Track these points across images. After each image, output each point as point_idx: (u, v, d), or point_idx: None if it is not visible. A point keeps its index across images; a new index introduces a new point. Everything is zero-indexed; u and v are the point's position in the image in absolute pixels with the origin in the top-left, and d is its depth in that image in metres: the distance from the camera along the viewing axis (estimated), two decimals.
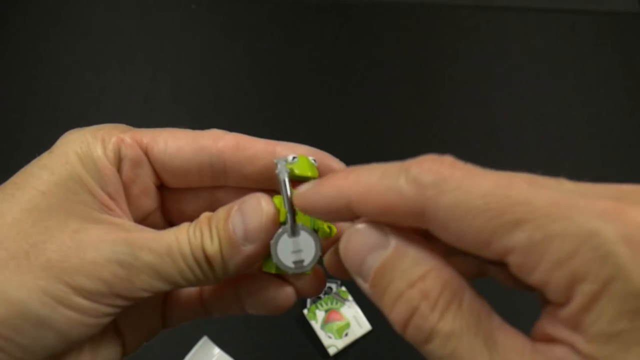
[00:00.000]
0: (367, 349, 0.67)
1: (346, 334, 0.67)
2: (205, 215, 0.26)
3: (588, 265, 0.17)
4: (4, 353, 0.23)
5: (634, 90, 0.89)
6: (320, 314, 0.68)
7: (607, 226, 0.17)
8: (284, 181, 0.26)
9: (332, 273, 0.26)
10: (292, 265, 0.26)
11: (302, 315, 0.68)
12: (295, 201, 0.24)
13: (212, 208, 0.27)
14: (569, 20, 0.96)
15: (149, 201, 0.29)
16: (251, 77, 0.91)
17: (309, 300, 0.70)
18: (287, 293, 0.28)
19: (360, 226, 0.22)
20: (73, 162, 0.26)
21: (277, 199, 0.26)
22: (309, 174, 0.26)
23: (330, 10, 0.97)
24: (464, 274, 0.21)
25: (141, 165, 0.27)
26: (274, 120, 0.85)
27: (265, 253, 0.26)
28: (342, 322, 0.68)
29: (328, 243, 0.27)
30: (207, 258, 0.25)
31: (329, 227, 0.27)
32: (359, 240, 0.22)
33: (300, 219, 0.26)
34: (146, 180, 0.28)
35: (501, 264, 0.19)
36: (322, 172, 0.27)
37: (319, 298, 0.69)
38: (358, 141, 0.82)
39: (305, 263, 0.26)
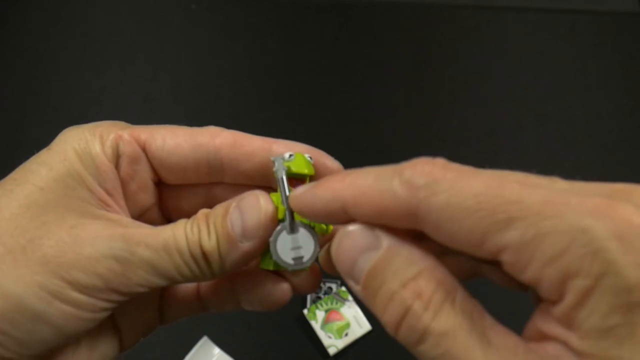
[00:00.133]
0: (367, 349, 0.67)
1: (346, 334, 0.67)
2: (202, 211, 0.26)
3: (580, 262, 0.17)
4: (0, 346, 0.23)
5: (634, 90, 0.89)
6: (320, 314, 0.68)
7: (598, 223, 0.17)
8: (282, 179, 0.26)
9: (327, 270, 0.27)
10: (292, 262, 0.26)
11: (302, 315, 0.68)
12: (292, 204, 0.24)
13: (210, 204, 0.27)
14: (569, 20, 0.96)
15: (147, 197, 0.29)
16: (251, 77, 0.91)
17: (309, 300, 0.70)
18: (283, 289, 0.28)
19: (351, 228, 0.22)
20: (71, 158, 0.26)
21: (274, 196, 0.26)
22: (306, 171, 0.27)
23: (330, 10, 0.97)
24: (457, 274, 0.21)
25: (139, 161, 0.28)
26: (274, 120, 0.85)
27: (263, 250, 0.26)
28: (342, 322, 0.68)
29: (323, 240, 0.27)
30: (204, 254, 0.25)
31: (326, 224, 0.27)
32: (350, 242, 0.22)
33: (298, 216, 0.26)
34: (144, 176, 0.28)
35: (495, 263, 0.20)
36: (317, 170, 0.27)
37: (319, 298, 0.70)
38: (358, 141, 0.82)
39: (305, 259, 0.26)
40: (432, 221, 0.20)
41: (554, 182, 0.20)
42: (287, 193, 0.26)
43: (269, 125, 0.83)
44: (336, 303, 0.69)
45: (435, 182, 0.19)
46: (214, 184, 0.29)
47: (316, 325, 0.67)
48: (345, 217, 0.22)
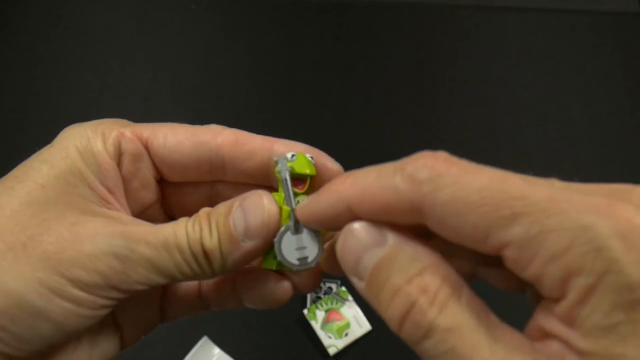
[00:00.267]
0: (367, 349, 0.67)
1: (346, 334, 0.67)
2: (204, 210, 0.26)
3: (583, 259, 0.17)
4: (1, 342, 0.23)
5: (634, 90, 0.89)
6: (320, 314, 0.68)
7: (601, 221, 0.17)
8: (286, 180, 0.26)
9: (327, 270, 0.27)
10: (297, 263, 0.26)
11: (302, 315, 0.68)
12: (298, 215, 0.24)
13: (212, 202, 0.27)
14: (569, 20, 0.96)
15: (149, 195, 0.29)
16: (251, 77, 0.91)
17: (309, 300, 0.70)
18: (284, 287, 0.28)
19: (356, 225, 0.22)
20: (73, 156, 0.26)
21: (276, 196, 0.26)
22: (307, 171, 0.27)
23: (330, 10, 0.97)
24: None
25: (141, 159, 0.28)
26: (274, 121, 0.85)
27: (265, 250, 0.26)
28: (342, 322, 0.68)
29: (323, 240, 0.27)
30: (205, 253, 0.25)
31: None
32: (355, 240, 0.22)
33: None
34: (146, 174, 0.28)
35: (496, 262, 0.20)
36: (318, 171, 0.28)
37: (319, 298, 0.70)
38: (358, 141, 0.82)
39: (310, 260, 0.26)
40: (436, 215, 0.20)
41: (552, 182, 0.20)
42: (292, 194, 0.26)
43: (269, 125, 0.83)
44: (336, 303, 0.69)
45: (439, 176, 0.19)
46: (216, 181, 0.29)
47: (316, 325, 0.67)
48: (351, 218, 0.22)
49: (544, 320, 0.19)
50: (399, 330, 0.20)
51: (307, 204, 0.24)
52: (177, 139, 0.28)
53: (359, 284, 0.22)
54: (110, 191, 0.27)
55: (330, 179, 0.27)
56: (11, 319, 0.23)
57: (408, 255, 0.21)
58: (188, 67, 0.91)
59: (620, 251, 0.17)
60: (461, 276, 0.21)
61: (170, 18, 0.96)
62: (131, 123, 0.29)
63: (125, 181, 0.28)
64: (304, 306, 0.69)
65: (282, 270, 0.28)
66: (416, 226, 0.21)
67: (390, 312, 0.20)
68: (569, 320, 0.18)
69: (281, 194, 0.26)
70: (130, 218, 0.27)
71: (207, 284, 0.30)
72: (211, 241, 0.25)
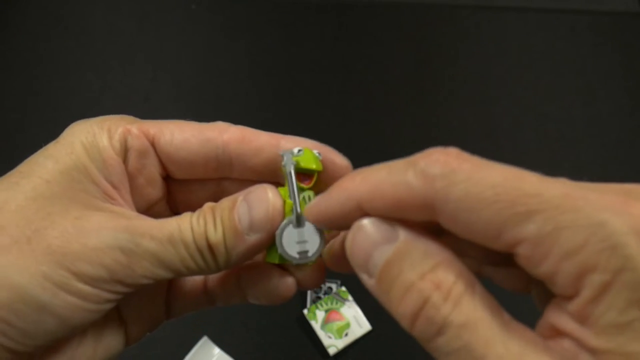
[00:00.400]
0: (367, 349, 0.67)
1: (346, 334, 0.67)
2: (208, 204, 0.27)
3: (597, 256, 0.17)
4: (5, 337, 0.23)
5: (634, 90, 0.89)
6: (320, 314, 0.68)
7: (617, 218, 0.17)
8: (290, 173, 0.26)
9: (331, 267, 0.27)
10: (297, 256, 0.26)
11: (302, 315, 0.68)
12: (308, 214, 0.24)
13: (218, 199, 0.27)
14: (569, 20, 0.96)
15: (155, 191, 0.29)
16: (251, 77, 0.91)
17: (309, 300, 0.70)
18: (288, 283, 0.28)
19: (365, 221, 0.22)
20: (78, 151, 0.26)
21: (282, 191, 0.27)
22: (314, 166, 0.27)
23: (330, 10, 0.97)
24: None
25: (147, 155, 0.28)
26: (274, 120, 0.85)
27: (269, 243, 0.26)
28: (342, 322, 0.68)
29: (327, 237, 0.27)
30: (210, 246, 0.25)
31: None
32: (365, 236, 0.22)
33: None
34: (152, 170, 0.28)
35: (503, 261, 0.19)
36: (325, 167, 0.27)
37: (319, 298, 0.70)
38: (358, 141, 0.82)
39: (310, 254, 0.26)
40: (449, 211, 0.19)
41: (564, 181, 0.20)
42: (295, 187, 0.26)
43: (269, 125, 0.83)
44: (336, 303, 0.69)
45: (452, 172, 0.19)
46: (222, 178, 0.29)
47: (316, 325, 0.67)
48: (361, 216, 0.22)
49: (555, 318, 0.19)
50: (411, 328, 0.20)
51: (316, 203, 0.23)
52: (184, 136, 0.28)
53: (368, 281, 0.21)
54: (115, 187, 0.27)
55: (338, 174, 0.27)
56: (16, 314, 0.23)
57: (420, 251, 0.20)
58: (188, 67, 0.91)
59: (636, 248, 0.17)
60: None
61: (170, 18, 0.96)
62: (137, 119, 0.29)
63: (131, 178, 0.28)
64: (304, 306, 0.69)
65: (287, 266, 0.28)
66: (425, 223, 0.21)
67: (402, 309, 0.20)
68: (582, 318, 0.18)
69: (287, 189, 0.26)
70: (134, 213, 0.27)
71: (212, 279, 0.30)
72: (216, 235, 0.25)
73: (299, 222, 0.26)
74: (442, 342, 0.19)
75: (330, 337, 0.67)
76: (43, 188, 0.25)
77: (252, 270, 0.28)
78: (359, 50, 0.93)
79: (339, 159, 0.28)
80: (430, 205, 0.20)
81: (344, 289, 0.70)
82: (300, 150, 0.27)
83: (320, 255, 0.27)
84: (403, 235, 0.21)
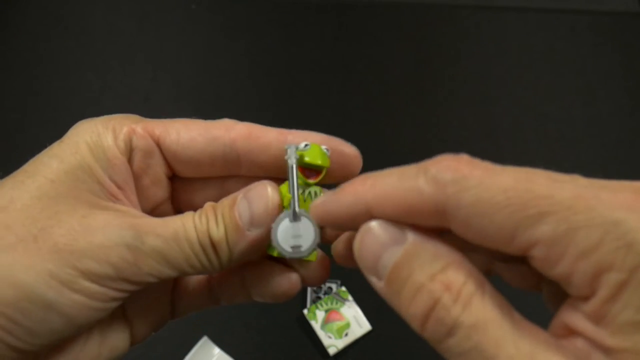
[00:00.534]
0: (367, 349, 0.67)
1: (346, 334, 0.67)
2: (209, 203, 0.27)
3: (613, 255, 0.17)
4: (11, 336, 0.23)
5: (634, 90, 0.89)
6: (320, 314, 0.68)
7: (631, 216, 0.17)
8: (292, 166, 0.26)
9: (340, 262, 0.26)
10: (290, 250, 0.26)
11: (302, 315, 0.68)
12: (314, 212, 0.24)
13: (221, 198, 0.27)
14: (569, 20, 0.96)
15: (160, 191, 0.29)
16: (251, 77, 0.91)
17: (309, 300, 0.70)
18: (291, 280, 0.28)
19: (373, 224, 0.22)
20: (83, 151, 0.26)
21: (285, 187, 0.27)
22: (319, 162, 0.27)
23: (330, 10, 0.97)
24: None
25: (152, 155, 0.28)
26: (274, 120, 0.84)
27: (270, 238, 0.27)
28: (342, 322, 0.68)
29: (335, 233, 0.27)
30: (213, 244, 0.26)
31: None
32: (373, 238, 0.21)
33: (304, 206, 0.26)
34: (157, 170, 0.28)
35: (514, 258, 0.19)
36: (335, 158, 0.27)
37: (319, 298, 0.70)
38: (358, 141, 0.82)
39: (303, 248, 0.26)
40: (461, 217, 0.19)
41: (576, 179, 0.20)
42: (295, 180, 0.26)
43: (269, 125, 0.83)
44: (336, 303, 0.69)
45: (463, 178, 0.19)
46: (226, 177, 0.29)
47: (316, 325, 0.67)
48: (369, 219, 0.22)
49: (570, 318, 0.19)
50: (422, 329, 0.20)
51: (323, 202, 0.23)
52: (190, 135, 0.28)
53: (377, 284, 0.21)
54: (119, 187, 0.27)
55: (348, 164, 0.27)
56: (22, 312, 0.23)
57: (429, 253, 0.20)
58: (188, 67, 0.91)
59: None
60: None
61: (170, 18, 0.96)
62: (142, 119, 0.28)
63: (136, 177, 0.28)
64: (304, 306, 0.69)
65: (290, 263, 0.28)
66: (433, 228, 0.21)
67: (412, 310, 0.20)
68: (598, 318, 0.18)
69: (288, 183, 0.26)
70: (138, 212, 0.27)
71: (217, 277, 0.30)
72: (218, 232, 0.26)
73: (294, 216, 0.26)
74: (453, 343, 0.19)
75: (330, 337, 0.67)
76: (48, 187, 0.25)
77: (255, 268, 0.28)
78: (359, 50, 0.93)
79: (348, 149, 0.28)
80: (441, 211, 0.20)
81: (344, 289, 0.70)
82: (307, 145, 0.27)
83: (314, 250, 0.26)
84: (411, 236, 0.21)
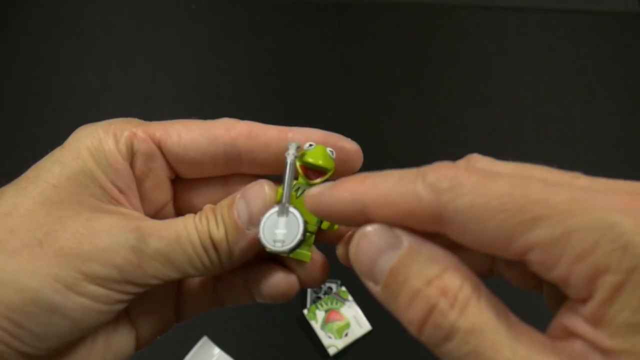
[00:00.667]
0: (367, 349, 0.67)
1: (346, 334, 0.67)
2: (208, 205, 0.27)
3: (609, 257, 0.17)
4: (18, 340, 0.23)
5: (634, 90, 0.89)
6: (320, 314, 0.68)
7: (626, 218, 0.17)
8: (289, 163, 0.26)
9: (346, 264, 0.26)
10: (272, 244, 0.26)
11: (302, 315, 0.68)
12: (307, 202, 0.24)
13: (223, 199, 0.27)
14: (569, 20, 0.96)
15: (163, 194, 0.29)
16: (251, 77, 0.91)
17: (309, 300, 0.70)
18: (289, 281, 0.28)
19: (369, 228, 0.22)
20: (84, 156, 0.26)
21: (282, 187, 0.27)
22: (320, 162, 0.26)
23: (330, 10, 0.97)
24: (474, 272, 0.21)
25: (154, 159, 0.28)
26: (275, 121, 0.84)
27: None
28: (342, 322, 0.68)
29: (337, 236, 0.27)
30: (214, 244, 0.26)
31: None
32: (369, 243, 0.21)
33: (296, 203, 0.26)
34: (159, 173, 0.28)
35: (520, 264, 0.19)
36: (336, 157, 0.27)
37: (319, 298, 0.70)
38: (358, 141, 0.82)
39: (284, 244, 0.26)
40: (457, 223, 0.20)
41: (577, 177, 0.20)
42: (289, 176, 0.26)
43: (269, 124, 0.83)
44: (336, 303, 0.69)
45: (459, 184, 0.19)
46: (228, 177, 0.29)
47: (316, 325, 0.67)
48: (363, 219, 0.22)
49: (568, 320, 0.19)
50: (419, 334, 0.20)
51: (319, 194, 0.23)
52: (192, 136, 0.28)
53: (374, 288, 0.21)
54: (121, 191, 0.27)
55: (349, 159, 0.28)
56: (28, 316, 0.23)
57: (425, 257, 0.20)
58: (188, 67, 0.91)
59: None
60: (478, 273, 0.21)
61: (170, 18, 0.96)
62: (143, 122, 0.28)
63: (139, 181, 0.28)
64: (304, 306, 0.69)
65: (289, 265, 0.28)
66: (429, 233, 0.21)
67: (410, 316, 0.20)
68: (596, 321, 0.18)
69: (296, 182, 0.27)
70: (141, 215, 0.27)
71: (220, 279, 0.30)
72: (218, 232, 0.26)
73: (282, 211, 0.26)
74: (450, 347, 0.19)
75: (330, 337, 0.67)
76: (51, 193, 0.25)
77: (256, 270, 0.28)
78: (359, 50, 0.93)
79: (348, 144, 0.28)
80: (438, 217, 0.20)
81: (344, 289, 0.70)
82: (312, 145, 0.27)
83: (296, 249, 0.26)
84: (407, 241, 0.21)
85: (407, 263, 0.21)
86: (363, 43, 0.94)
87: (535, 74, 0.91)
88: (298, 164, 0.27)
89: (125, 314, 0.27)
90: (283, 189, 0.26)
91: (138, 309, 0.28)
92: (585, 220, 0.18)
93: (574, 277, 0.18)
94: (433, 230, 0.21)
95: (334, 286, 0.71)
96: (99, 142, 0.27)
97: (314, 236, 0.27)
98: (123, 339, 0.28)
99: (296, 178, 0.27)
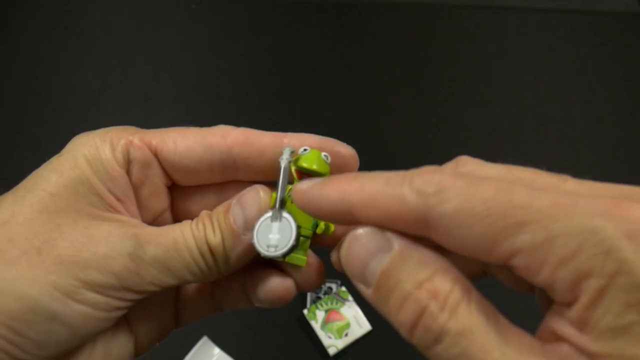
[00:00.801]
0: (367, 349, 0.67)
1: (346, 334, 0.67)
2: (205, 211, 0.27)
3: (592, 262, 0.17)
4: (17, 349, 0.23)
5: (634, 90, 0.89)
6: (320, 314, 0.68)
7: (608, 223, 0.17)
8: (283, 168, 0.26)
9: (340, 270, 0.27)
10: (265, 248, 0.26)
11: (302, 315, 0.68)
12: (294, 197, 0.24)
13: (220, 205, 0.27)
14: (569, 20, 0.96)
15: (160, 201, 0.29)
16: (251, 77, 0.91)
17: (309, 300, 0.70)
18: (286, 285, 0.28)
19: (360, 231, 0.22)
20: (81, 165, 0.26)
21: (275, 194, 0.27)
22: (314, 167, 0.26)
23: (330, 10, 0.97)
24: (467, 274, 0.21)
25: (150, 166, 0.28)
26: (274, 120, 0.85)
27: None
28: (342, 322, 0.68)
29: (334, 240, 0.27)
30: (211, 250, 0.26)
31: (326, 224, 0.27)
32: (360, 246, 0.22)
33: (292, 208, 0.26)
34: (156, 181, 0.28)
35: (507, 268, 0.20)
36: (332, 162, 0.27)
37: (319, 298, 0.70)
38: (358, 141, 0.82)
39: (277, 249, 0.26)
40: (442, 228, 0.20)
41: (564, 180, 0.20)
42: (282, 181, 0.26)
43: (269, 125, 0.83)
44: (336, 303, 0.69)
45: (444, 189, 0.20)
46: (225, 184, 0.29)
47: (316, 325, 0.67)
48: (349, 219, 0.22)
49: (555, 323, 0.19)
50: (410, 336, 0.20)
51: (307, 191, 0.23)
52: (187, 144, 0.28)
53: (366, 291, 0.22)
54: (119, 199, 0.27)
55: (345, 164, 0.28)
56: (27, 324, 0.23)
57: (416, 260, 0.21)
58: (188, 67, 0.91)
59: (629, 251, 0.17)
60: (472, 275, 0.21)
61: (170, 18, 0.96)
62: (139, 130, 0.29)
63: (136, 189, 0.28)
64: (304, 306, 0.69)
65: (285, 269, 0.28)
66: (417, 237, 0.21)
67: (401, 318, 0.20)
68: (581, 324, 0.18)
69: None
70: (138, 222, 0.27)
71: (218, 285, 0.30)
72: (215, 238, 0.26)
73: (275, 216, 0.26)
74: (440, 349, 0.19)
75: (330, 337, 0.67)
76: (49, 201, 0.25)
77: (253, 274, 0.29)
78: (359, 50, 0.93)
79: (344, 149, 0.28)
80: (423, 221, 0.20)
81: (344, 289, 0.70)
82: (307, 150, 0.27)
83: (289, 254, 0.26)
84: (398, 244, 0.21)
85: (398, 266, 0.21)
86: (363, 43, 0.94)
87: (535, 74, 0.91)
88: (293, 168, 0.27)
89: (124, 321, 0.28)
90: (277, 194, 0.26)
91: (137, 316, 0.28)
92: (568, 225, 0.18)
93: (558, 281, 0.18)
94: (419, 234, 0.21)
95: (334, 286, 0.71)
96: (96, 150, 0.27)
97: (309, 240, 0.27)
98: (122, 346, 0.28)
99: (291, 183, 0.27)
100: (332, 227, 0.28)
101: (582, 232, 0.18)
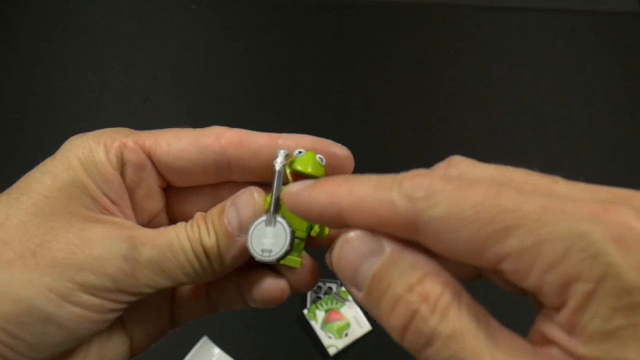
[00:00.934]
0: (367, 349, 0.67)
1: (346, 334, 0.67)
2: (199, 213, 0.27)
3: (580, 266, 0.17)
4: (12, 351, 0.23)
5: (634, 90, 0.89)
6: (320, 314, 0.68)
7: (596, 227, 0.18)
8: (277, 171, 0.26)
9: (334, 272, 0.27)
10: (259, 253, 0.26)
11: (302, 315, 0.68)
12: (284, 199, 0.24)
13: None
14: (569, 20, 0.96)
15: (154, 203, 0.29)
16: (251, 77, 0.91)
17: (309, 300, 0.70)
18: (280, 286, 0.28)
19: (352, 234, 0.22)
20: (75, 167, 0.26)
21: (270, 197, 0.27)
22: (309, 170, 0.27)
23: (330, 10, 0.97)
24: (461, 276, 0.21)
25: (144, 168, 0.28)
26: (274, 120, 0.85)
27: None
28: (342, 322, 0.68)
29: (329, 241, 0.27)
30: (206, 251, 0.26)
31: (321, 227, 0.27)
32: (351, 249, 0.22)
33: (286, 212, 0.26)
34: (150, 183, 0.28)
35: (496, 272, 0.20)
36: (326, 161, 0.27)
37: (319, 298, 0.70)
38: (358, 141, 0.82)
39: (271, 254, 0.26)
40: (431, 232, 0.20)
41: (556, 182, 0.20)
42: (277, 184, 0.26)
43: (269, 125, 0.83)
44: (336, 303, 0.69)
45: (433, 193, 0.19)
46: (219, 185, 0.29)
47: (316, 325, 0.67)
48: (339, 221, 0.22)
49: (544, 327, 0.19)
50: (401, 339, 0.20)
51: (298, 193, 0.23)
52: (181, 145, 0.28)
53: (357, 294, 0.22)
54: (113, 202, 0.27)
55: (340, 165, 0.28)
56: (22, 327, 0.23)
57: (407, 263, 0.21)
58: (188, 67, 0.91)
59: (617, 255, 0.17)
60: (465, 277, 0.21)
61: (170, 18, 0.96)
62: (133, 131, 0.29)
63: (130, 191, 0.28)
64: (304, 306, 0.69)
65: (279, 270, 0.28)
66: (404, 239, 0.21)
67: (392, 321, 0.20)
68: (570, 328, 0.18)
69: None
70: (133, 224, 0.27)
71: (215, 286, 0.30)
72: (210, 240, 0.26)
73: (269, 220, 0.26)
74: (431, 352, 0.19)
75: (330, 337, 0.67)
76: (43, 204, 0.25)
77: (248, 275, 0.29)
78: (359, 50, 0.93)
79: (339, 150, 0.28)
80: (412, 225, 0.20)
81: (344, 289, 0.70)
82: (302, 152, 0.27)
83: (288, 256, 0.26)
84: (389, 247, 0.21)
85: (389, 269, 0.21)
86: (363, 43, 0.94)
87: (535, 74, 0.91)
88: (288, 171, 0.27)
89: (120, 323, 0.28)
90: (271, 198, 0.26)
91: (132, 317, 0.28)
92: (556, 229, 0.18)
93: (546, 286, 0.18)
94: (408, 237, 0.21)
95: (334, 286, 0.71)
96: (90, 152, 0.27)
97: (304, 242, 0.27)
98: (117, 348, 0.28)
99: (286, 185, 0.27)
100: (327, 229, 0.28)
101: (570, 236, 0.18)
